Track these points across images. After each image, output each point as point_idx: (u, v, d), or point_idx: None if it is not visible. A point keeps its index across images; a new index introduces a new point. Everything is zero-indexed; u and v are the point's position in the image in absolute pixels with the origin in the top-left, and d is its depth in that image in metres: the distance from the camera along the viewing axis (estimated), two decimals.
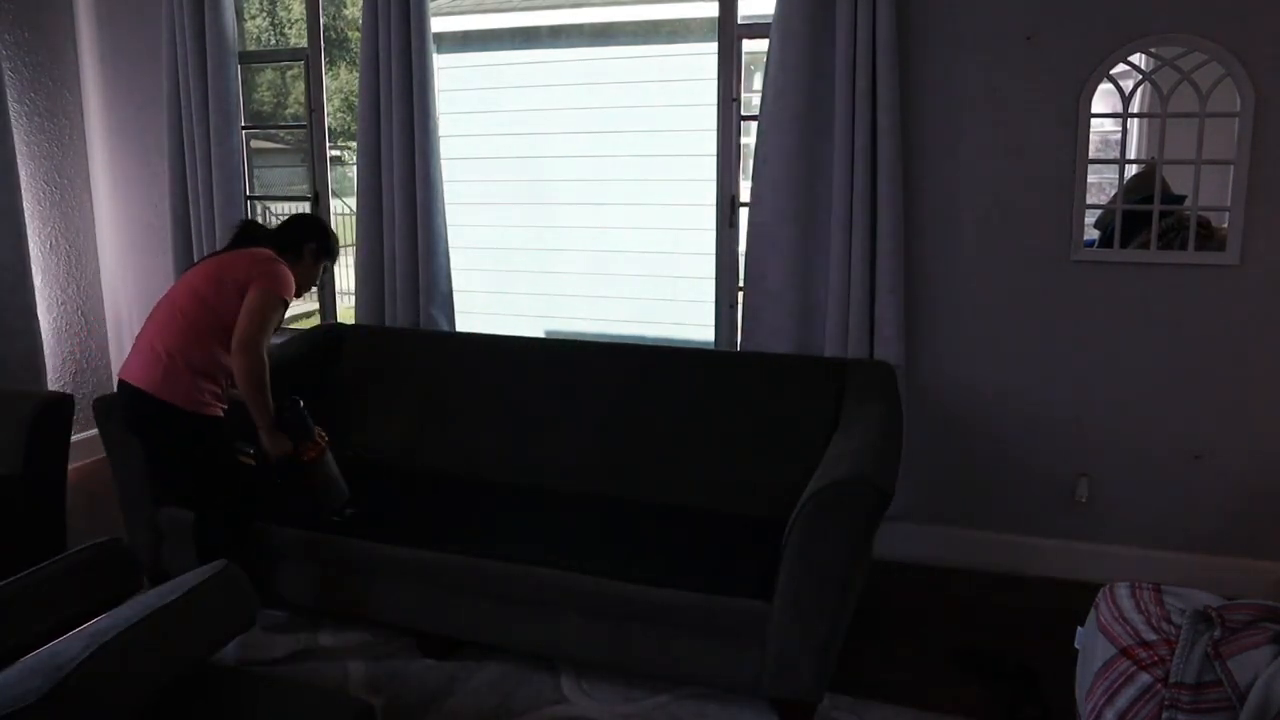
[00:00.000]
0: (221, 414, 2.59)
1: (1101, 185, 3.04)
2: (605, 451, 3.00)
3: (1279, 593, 2.87)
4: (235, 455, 2.62)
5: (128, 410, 2.60)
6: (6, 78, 3.80)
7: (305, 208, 4.05)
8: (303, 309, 7.10)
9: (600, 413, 3.07)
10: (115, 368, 4.40)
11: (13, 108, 3.85)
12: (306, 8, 3.83)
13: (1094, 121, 2.91)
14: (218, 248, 2.91)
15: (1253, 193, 2.80)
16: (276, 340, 3.86)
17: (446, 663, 2.62)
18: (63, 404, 2.93)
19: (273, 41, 9.05)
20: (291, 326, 5.25)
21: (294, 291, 2.65)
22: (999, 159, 3.01)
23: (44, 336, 3.99)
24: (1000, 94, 2.97)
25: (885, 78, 2.91)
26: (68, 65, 4.11)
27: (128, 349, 4.41)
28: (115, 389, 2.69)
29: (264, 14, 8.93)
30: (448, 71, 4.54)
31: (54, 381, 4.11)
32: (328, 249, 2.83)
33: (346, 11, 7.98)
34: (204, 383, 2.54)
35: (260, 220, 2.83)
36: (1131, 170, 2.96)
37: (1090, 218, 2.99)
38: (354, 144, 4.04)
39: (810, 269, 3.14)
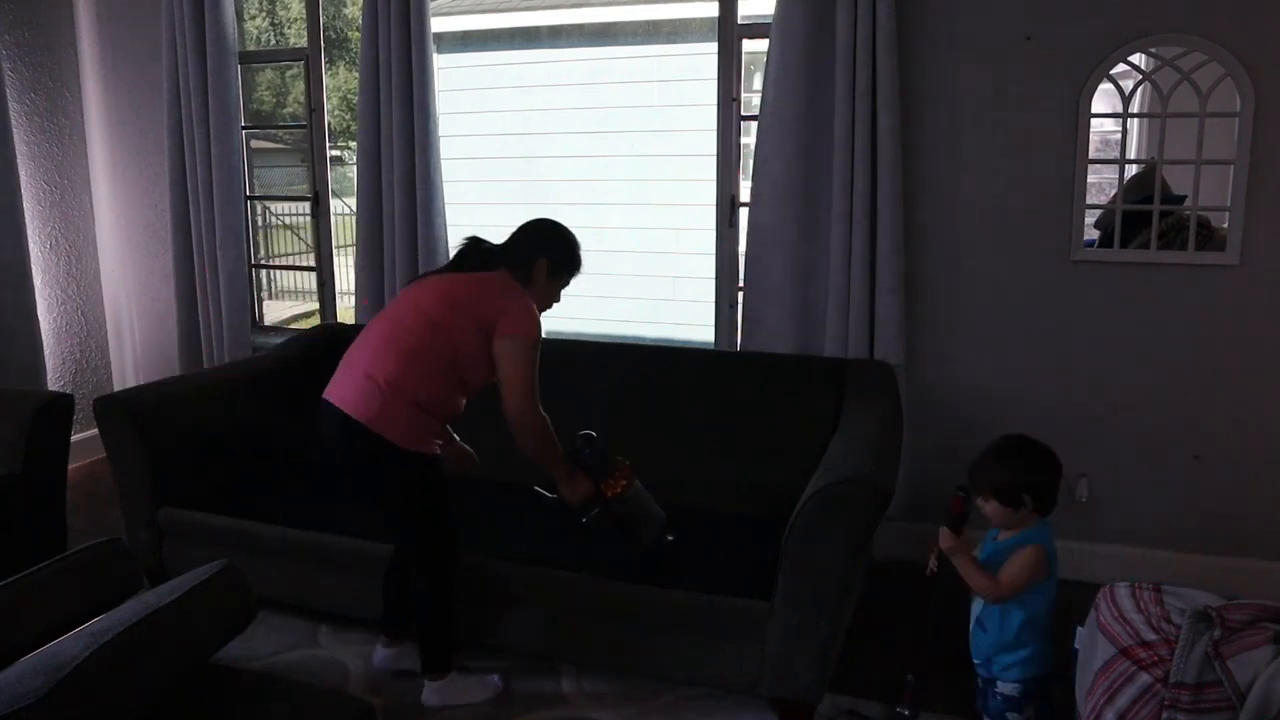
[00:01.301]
0: (438, 451, 2.32)
1: (1101, 185, 3.04)
2: (605, 451, 3.00)
3: (1279, 593, 2.87)
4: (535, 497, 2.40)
5: (336, 438, 2.25)
6: (6, 78, 3.80)
7: (305, 208, 4.05)
8: (303, 309, 7.10)
9: (600, 413, 3.06)
10: (115, 368, 4.40)
11: (13, 108, 3.85)
12: (306, 8, 3.83)
13: (1094, 121, 2.91)
14: (412, 275, 2.61)
15: (1253, 193, 2.80)
16: (276, 340, 3.86)
17: None
18: (63, 404, 2.93)
19: (273, 41, 9.05)
20: (291, 327, 5.25)
21: (540, 327, 2.30)
22: (999, 159, 3.01)
23: (44, 336, 3.99)
24: (1000, 94, 2.97)
25: (885, 78, 2.91)
26: (68, 65, 4.11)
27: (128, 349, 4.42)
28: (323, 411, 2.28)
29: (264, 14, 8.93)
30: (447, 71, 4.55)
31: (54, 381, 4.11)
32: (565, 263, 2.38)
33: (346, 11, 7.98)
34: (424, 418, 2.24)
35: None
36: (1131, 170, 2.96)
37: (1090, 218, 3.00)
38: (354, 144, 4.04)
39: (810, 269, 3.14)
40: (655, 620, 2.34)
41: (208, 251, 3.85)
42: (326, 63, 3.94)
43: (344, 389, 2.24)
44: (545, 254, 2.36)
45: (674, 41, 4.57)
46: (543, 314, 2.37)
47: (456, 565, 2.37)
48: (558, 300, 2.46)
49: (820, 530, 2.16)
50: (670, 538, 2.44)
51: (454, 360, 2.25)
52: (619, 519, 2.35)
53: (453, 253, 2.49)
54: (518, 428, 2.27)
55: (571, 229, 2.45)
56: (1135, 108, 2.91)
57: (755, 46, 3.27)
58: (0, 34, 3.84)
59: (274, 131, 8.04)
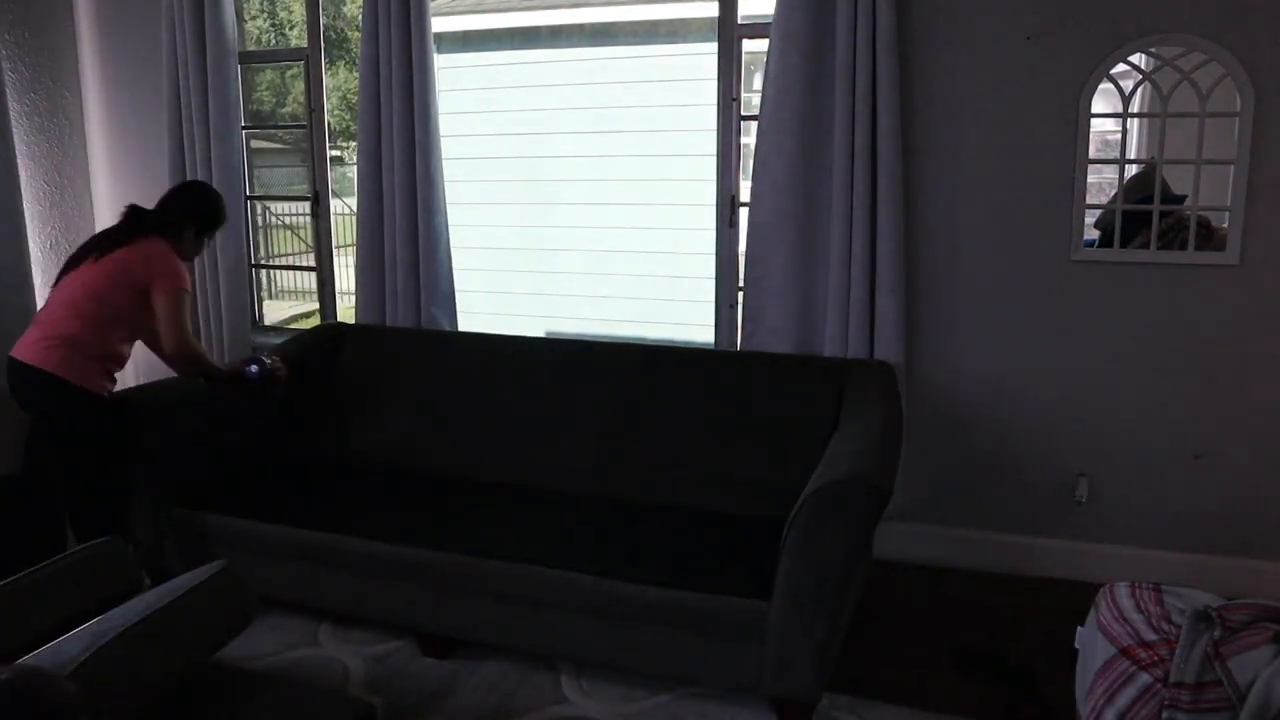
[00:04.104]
0: (108, 394, 2.79)
1: (1101, 185, 3.04)
2: (605, 451, 3.00)
3: (1279, 593, 2.87)
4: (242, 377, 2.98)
5: (19, 387, 2.74)
6: (6, 78, 3.80)
7: (305, 208, 4.05)
8: (303, 309, 7.10)
9: (600, 413, 3.07)
10: None
11: (13, 108, 3.84)
12: (306, 7, 3.83)
13: (1094, 121, 2.91)
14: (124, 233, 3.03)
15: (1253, 193, 2.80)
16: (276, 340, 3.87)
17: (446, 663, 2.62)
18: None
19: (273, 41, 9.05)
20: (291, 327, 5.25)
21: (187, 274, 2.84)
22: (999, 159, 3.01)
23: None
24: (1000, 94, 2.97)
25: (885, 78, 2.91)
26: (68, 65, 4.11)
27: None
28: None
29: (264, 14, 8.93)
30: (448, 71, 4.54)
31: None
32: (209, 226, 2.98)
33: (346, 11, 7.98)
34: (96, 364, 2.74)
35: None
36: (1131, 170, 2.96)
37: (1090, 218, 3.00)
38: (354, 144, 4.04)
39: (810, 269, 3.14)
40: (655, 620, 2.34)
41: (208, 251, 3.85)
42: (326, 63, 3.94)
43: (26, 349, 2.73)
44: (193, 222, 2.92)
45: (674, 41, 4.57)
46: (190, 260, 3.00)
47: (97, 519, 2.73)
48: (199, 253, 3.09)
49: (820, 530, 2.16)
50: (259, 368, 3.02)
51: (122, 322, 2.78)
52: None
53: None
54: (178, 361, 2.82)
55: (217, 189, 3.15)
56: (1135, 108, 2.90)
57: (755, 46, 3.27)
58: (0, 34, 3.84)
59: (274, 131, 8.04)
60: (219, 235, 3.78)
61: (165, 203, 2.93)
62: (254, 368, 2.99)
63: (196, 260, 3.92)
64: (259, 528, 2.74)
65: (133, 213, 2.91)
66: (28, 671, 1.31)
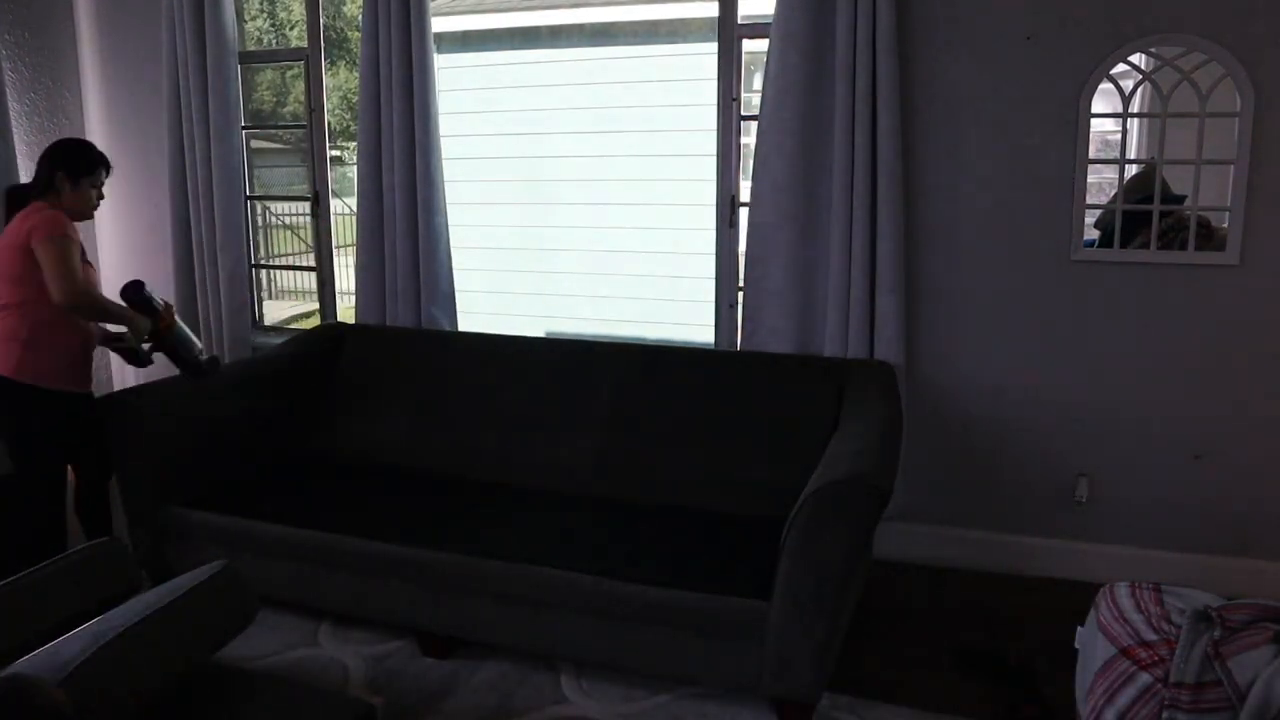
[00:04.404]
0: (71, 390, 2.79)
1: (1101, 185, 3.04)
2: (605, 451, 3.00)
3: (1279, 593, 2.87)
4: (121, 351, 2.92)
5: None
6: (6, 78, 3.80)
7: (305, 208, 4.05)
8: (303, 309, 7.10)
9: (600, 412, 3.07)
10: (115, 368, 4.39)
11: (13, 108, 3.84)
12: (306, 7, 3.83)
13: (1094, 121, 2.91)
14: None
15: (1253, 193, 2.80)
16: (276, 340, 3.86)
17: (446, 663, 2.62)
18: None
19: (273, 41, 9.05)
20: (291, 326, 5.25)
21: (69, 224, 2.69)
22: (999, 159, 3.01)
23: None
24: (1000, 94, 2.97)
25: (885, 78, 2.91)
26: (68, 65, 4.11)
27: None
28: (90, 390, 2.92)
29: (264, 14, 8.93)
30: (448, 71, 4.54)
31: None
32: (78, 168, 2.78)
33: (346, 11, 7.98)
34: (29, 352, 2.70)
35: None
36: (1131, 170, 2.96)
37: (1090, 218, 3.00)
38: (354, 144, 4.04)
39: (810, 269, 3.14)
40: (655, 620, 2.34)
41: (208, 251, 3.85)
42: (326, 63, 3.94)
43: None
44: (59, 168, 2.75)
45: (674, 41, 4.57)
46: (89, 216, 2.88)
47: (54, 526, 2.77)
48: (100, 199, 2.87)
49: (819, 530, 2.16)
50: (205, 357, 2.97)
51: (21, 286, 2.67)
52: (173, 347, 2.88)
53: None
54: (72, 309, 2.66)
55: (86, 139, 3.07)
56: (1135, 108, 2.90)
57: (755, 46, 3.27)
58: (0, 34, 3.84)
59: (274, 131, 8.04)
60: (221, 235, 3.80)
61: (36, 170, 2.83)
62: (145, 287, 2.88)
63: (196, 260, 3.93)
64: (259, 528, 2.73)
65: (9, 192, 2.88)
66: (16, 678, 1.31)
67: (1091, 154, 2.93)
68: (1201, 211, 2.89)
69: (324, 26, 3.87)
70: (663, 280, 4.46)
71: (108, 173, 2.87)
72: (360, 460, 3.21)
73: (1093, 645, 1.92)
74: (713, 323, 3.50)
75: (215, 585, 1.72)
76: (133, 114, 4.16)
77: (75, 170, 2.78)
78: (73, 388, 2.81)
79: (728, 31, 3.27)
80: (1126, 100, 2.87)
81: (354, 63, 6.73)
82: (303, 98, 3.96)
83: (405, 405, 3.29)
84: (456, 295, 3.63)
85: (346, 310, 4.30)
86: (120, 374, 4.42)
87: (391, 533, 2.62)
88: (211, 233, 3.83)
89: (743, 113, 3.32)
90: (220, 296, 3.86)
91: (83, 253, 2.72)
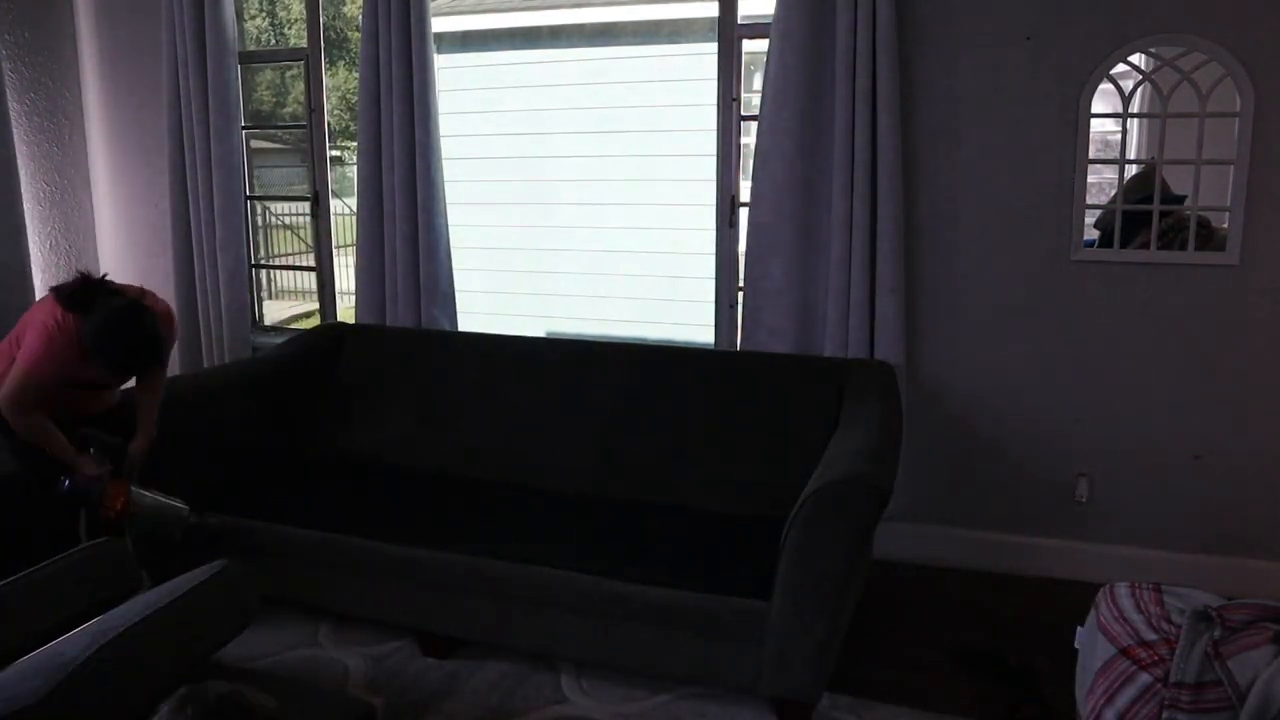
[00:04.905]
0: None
1: (1101, 185, 3.04)
2: (605, 451, 3.00)
3: (1279, 593, 2.87)
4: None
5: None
6: (6, 78, 3.80)
7: (305, 208, 4.04)
8: (303, 309, 7.10)
9: (600, 412, 3.07)
10: None
11: (13, 108, 3.84)
12: (306, 7, 3.83)
13: (1094, 121, 2.91)
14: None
15: (1253, 193, 2.80)
16: (276, 340, 3.87)
17: (446, 663, 2.62)
18: None
19: (273, 41, 9.05)
20: (292, 327, 5.25)
21: (49, 374, 2.48)
22: (999, 159, 3.01)
23: None
24: (1000, 94, 2.97)
25: (885, 78, 2.91)
26: (68, 65, 4.11)
27: None
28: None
29: (264, 14, 8.93)
30: (448, 71, 4.54)
31: None
32: (105, 362, 2.51)
33: (346, 11, 7.98)
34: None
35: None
36: (1131, 170, 2.96)
37: (1090, 218, 3.00)
38: (354, 144, 4.03)
39: (810, 269, 3.14)
40: (655, 620, 2.34)
41: (208, 251, 3.85)
42: (326, 63, 3.94)
43: None
44: (99, 354, 2.48)
45: (674, 41, 4.57)
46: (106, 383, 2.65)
47: None
48: (101, 387, 2.69)
49: (819, 530, 2.16)
50: (194, 519, 2.61)
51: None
52: (139, 527, 2.51)
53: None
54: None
55: (142, 333, 2.54)
56: (1135, 108, 2.90)
57: (755, 46, 3.27)
58: (0, 34, 3.84)
59: (274, 131, 8.04)
60: (221, 235, 3.80)
61: (98, 308, 2.51)
62: (65, 482, 2.44)
63: (196, 260, 3.93)
64: (259, 527, 2.73)
65: (88, 281, 2.62)
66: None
67: (1091, 154, 2.93)
68: (1201, 211, 2.89)
69: (324, 26, 3.87)
70: (663, 280, 4.46)
71: (113, 373, 2.62)
72: (360, 460, 3.21)
73: (1093, 645, 1.92)
74: (713, 323, 3.50)
75: (215, 585, 1.72)
76: (133, 114, 4.17)
77: (97, 359, 2.50)
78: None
79: (728, 31, 3.27)
80: (1126, 100, 2.87)
81: (354, 63, 6.73)
82: (303, 98, 3.96)
83: (405, 405, 3.29)
84: (456, 295, 3.64)
85: (346, 310, 4.30)
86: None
87: (391, 533, 2.62)
88: (211, 233, 3.83)
89: (743, 113, 3.32)
90: (220, 296, 3.86)
91: (68, 377, 2.53)
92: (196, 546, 2.59)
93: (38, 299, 2.70)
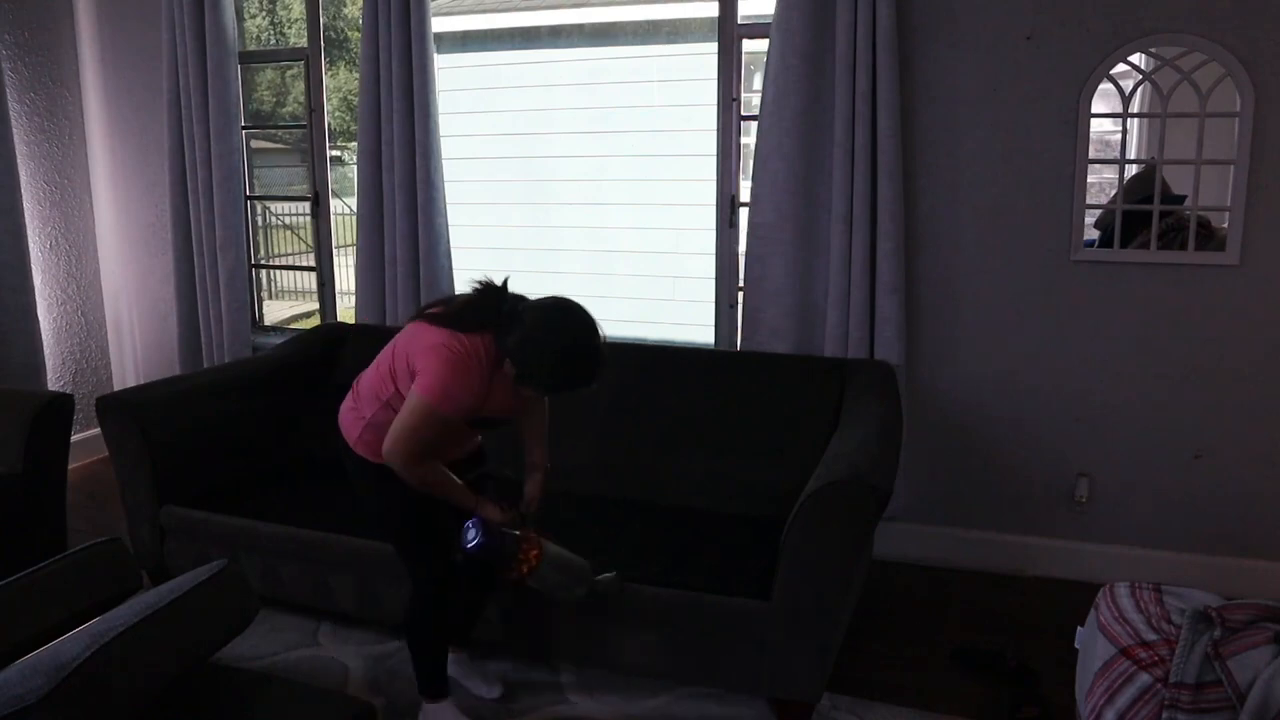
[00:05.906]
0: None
1: (1101, 185, 3.04)
2: (605, 451, 3.00)
3: (1279, 593, 2.87)
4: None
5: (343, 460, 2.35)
6: (6, 78, 3.80)
7: (305, 208, 4.04)
8: (303, 309, 7.10)
9: (600, 412, 3.07)
10: (115, 368, 4.40)
11: (13, 108, 3.85)
12: (306, 7, 3.83)
13: (1094, 121, 2.91)
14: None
15: (1253, 193, 2.80)
16: (276, 340, 3.86)
17: None
18: (63, 404, 2.93)
19: (273, 41, 9.04)
20: (292, 327, 5.25)
21: (460, 404, 2.06)
22: (999, 159, 3.01)
23: (44, 336, 3.99)
24: (1000, 94, 2.97)
25: (885, 78, 2.91)
26: (68, 65, 4.11)
27: (128, 349, 4.43)
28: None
29: (264, 14, 8.92)
30: (448, 71, 4.55)
31: (54, 381, 4.11)
32: (535, 382, 2.10)
33: (346, 11, 7.98)
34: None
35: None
36: (1131, 170, 2.96)
37: (1090, 218, 2.99)
38: (354, 144, 4.04)
39: (810, 269, 3.14)
40: (655, 620, 2.34)
41: (208, 251, 3.85)
42: (326, 63, 3.94)
43: (344, 419, 2.36)
44: (516, 363, 2.07)
45: (674, 41, 4.57)
46: (494, 412, 2.18)
47: (443, 586, 2.27)
48: (542, 396, 2.27)
49: (819, 530, 2.16)
50: (608, 575, 2.24)
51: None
52: (542, 585, 2.13)
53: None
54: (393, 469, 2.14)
55: (591, 348, 2.13)
56: (1135, 108, 2.90)
57: (755, 46, 3.27)
58: (0, 34, 3.84)
59: (274, 131, 8.04)
60: (221, 235, 3.80)
61: (521, 316, 2.10)
62: (473, 535, 2.03)
63: (196, 260, 3.93)
64: (259, 527, 2.73)
65: (486, 292, 2.23)
66: None
67: (1091, 154, 2.93)
68: (1201, 211, 2.89)
69: (324, 26, 3.87)
70: (663, 280, 4.47)
71: (550, 390, 2.19)
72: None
73: (1093, 645, 1.92)
74: (713, 323, 3.50)
75: (215, 585, 1.72)
76: (133, 114, 4.17)
77: (533, 383, 2.10)
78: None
79: (728, 31, 3.27)
80: (1126, 100, 2.87)
81: (354, 63, 6.73)
82: (303, 98, 3.96)
83: None
84: None
85: (346, 310, 4.30)
86: (120, 373, 4.42)
87: None
88: (211, 233, 3.83)
89: (743, 113, 3.32)
90: (220, 296, 3.86)
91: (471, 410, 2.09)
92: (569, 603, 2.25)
93: (382, 334, 2.33)
